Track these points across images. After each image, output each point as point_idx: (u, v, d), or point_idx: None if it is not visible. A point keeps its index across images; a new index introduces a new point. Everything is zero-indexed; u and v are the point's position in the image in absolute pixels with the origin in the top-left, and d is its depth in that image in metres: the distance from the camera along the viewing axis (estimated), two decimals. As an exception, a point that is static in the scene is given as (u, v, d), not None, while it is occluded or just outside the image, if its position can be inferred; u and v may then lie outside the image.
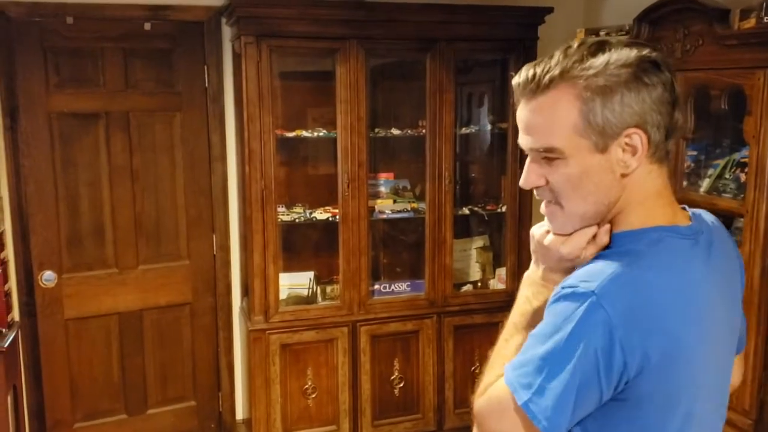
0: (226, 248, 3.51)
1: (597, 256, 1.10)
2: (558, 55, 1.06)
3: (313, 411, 3.29)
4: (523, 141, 1.11)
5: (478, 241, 3.74)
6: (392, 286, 3.44)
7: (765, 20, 2.00)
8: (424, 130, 3.33)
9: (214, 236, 3.49)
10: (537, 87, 1.05)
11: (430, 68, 3.25)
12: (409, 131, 3.41)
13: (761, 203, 2.15)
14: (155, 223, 3.39)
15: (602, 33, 2.88)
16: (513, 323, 1.18)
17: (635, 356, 1.00)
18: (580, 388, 1.01)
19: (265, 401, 3.19)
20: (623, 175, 1.06)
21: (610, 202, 1.08)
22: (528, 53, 3.31)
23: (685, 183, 2.56)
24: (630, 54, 1.03)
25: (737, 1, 2.45)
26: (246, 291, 3.41)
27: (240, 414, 3.64)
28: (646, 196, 1.09)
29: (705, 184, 2.56)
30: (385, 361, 3.39)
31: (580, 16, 3.50)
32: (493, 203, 3.57)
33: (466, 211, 3.55)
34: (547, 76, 1.04)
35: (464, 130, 3.57)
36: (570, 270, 1.12)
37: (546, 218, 1.15)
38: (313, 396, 3.27)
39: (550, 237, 1.15)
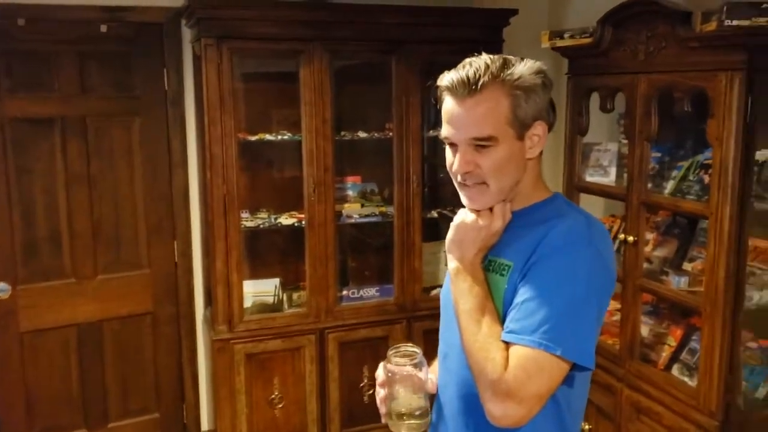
0: (188, 255, 3.43)
1: (553, 223, 1.29)
2: (480, 63, 1.28)
3: (281, 421, 3.22)
4: (455, 133, 1.30)
5: (447, 245, 3.70)
6: (361, 292, 3.39)
7: (725, 23, 1.99)
8: (391, 133, 3.29)
9: (175, 243, 3.41)
10: (474, 87, 1.26)
11: (395, 70, 3.21)
12: (376, 134, 3.37)
13: (725, 205, 2.15)
14: (114, 231, 3.30)
15: (566, 35, 2.87)
16: (467, 312, 1.29)
17: (613, 285, 1.33)
18: (598, 321, 1.27)
19: (230, 412, 3.11)
20: (529, 159, 1.34)
21: (518, 181, 1.34)
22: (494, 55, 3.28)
23: (649, 185, 2.55)
24: (535, 65, 1.30)
25: (699, 3, 2.46)
26: (209, 299, 3.34)
27: (205, 425, 3.56)
28: (537, 177, 1.38)
29: (669, 186, 2.55)
30: (353, 368, 3.34)
31: (545, 18, 3.49)
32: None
33: (434, 214, 3.52)
34: (482, 79, 1.26)
35: (432, 133, 3.53)
36: (490, 247, 1.34)
37: (468, 199, 1.35)
38: (280, 406, 3.21)
39: (483, 219, 1.34)
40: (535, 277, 1.25)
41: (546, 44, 2.84)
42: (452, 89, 1.29)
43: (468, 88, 1.26)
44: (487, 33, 3.32)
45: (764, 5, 1.92)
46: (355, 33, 3.11)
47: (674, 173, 2.58)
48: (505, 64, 1.28)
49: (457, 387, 1.39)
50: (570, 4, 3.43)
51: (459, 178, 1.34)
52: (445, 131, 1.33)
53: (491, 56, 1.30)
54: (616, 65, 2.59)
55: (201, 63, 2.96)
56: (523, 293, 1.25)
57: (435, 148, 3.68)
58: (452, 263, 1.36)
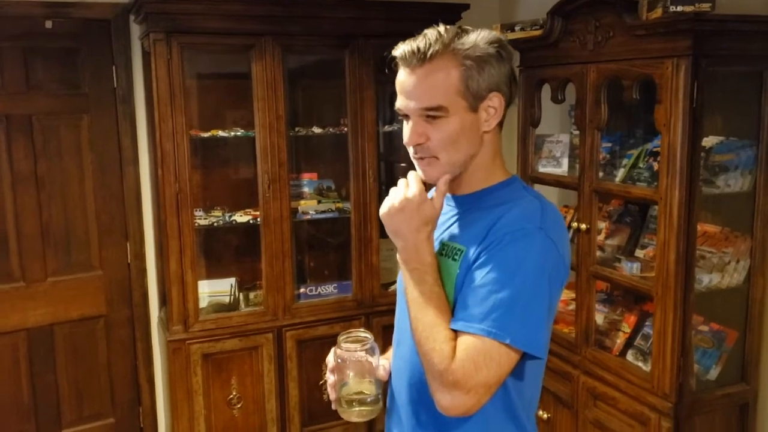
0: (141, 256, 3.36)
1: (507, 207, 1.27)
2: (433, 33, 1.25)
3: (240, 421, 3.17)
4: (407, 104, 1.27)
5: (405, 240, 3.70)
6: (319, 289, 3.36)
7: (670, 9, 2.03)
8: (346, 129, 3.27)
9: (128, 244, 3.33)
10: (424, 57, 1.23)
11: (349, 65, 3.19)
12: (331, 129, 3.35)
13: (674, 190, 2.19)
14: (64, 232, 3.21)
15: (517, 28, 2.90)
16: (416, 300, 1.25)
17: (567, 273, 1.30)
18: (549, 310, 1.23)
19: (187, 414, 3.05)
20: (485, 133, 1.30)
21: (473, 155, 1.30)
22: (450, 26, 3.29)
23: (601, 174, 2.59)
24: (490, 35, 1.27)
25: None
26: (164, 300, 3.27)
27: (162, 429, 3.49)
28: (495, 153, 1.34)
29: (620, 174, 2.59)
30: (313, 366, 3.31)
31: (496, 11, 3.52)
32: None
33: (390, 209, 3.50)
34: (432, 49, 1.23)
35: (387, 128, 3.53)
36: (431, 220, 1.27)
37: (422, 173, 1.31)
38: (239, 406, 3.16)
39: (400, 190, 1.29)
40: (485, 263, 1.22)
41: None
42: (404, 59, 1.26)
43: (418, 58, 1.23)
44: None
45: (706, -9, 1.96)
46: (307, 27, 3.09)
47: (625, 161, 2.62)
48: (458, 34, 1.25)
49: (408, 374, 1.37)
50: (521, -1, 3.47)
51: (412, 150, 1.31)
52: (398, 102, 1.30)
53: (447, 27, 1.27)
54: (566, 56, 2.63)
55: (151, 59, 2.91)
56: (474, 280, 1.22)
57: (391, 144, 3.68)
58: (398, 253, 1.31)
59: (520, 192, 1.33)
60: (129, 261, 3.35)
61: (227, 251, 3.45)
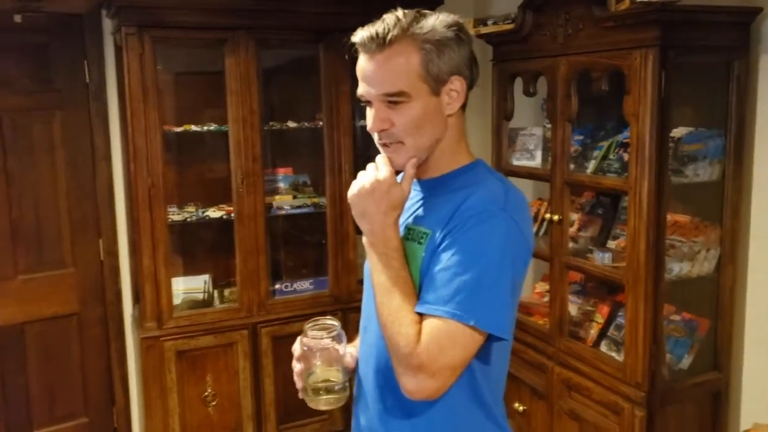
0: (114, 253, 3.32)
1: (471, 190, 1.27)
2: (391, 18, 1.25)
3: (215, 419, 3.14)
4: (368, 90, 1.27)
5: (381, 236, 3.69)
6: (294, 285, 3.34)
7: (638, 0, 2.05)
8: (321, 123, 3.26)
9: (100, 241, 3.30)
10: (383, 42, 1.23)
11: (324, 59, 3.19)
12: (306, 124, 3.34)
13: (643, 180, 2.20)
14: (35, 230, 3.16)
15: (490, 22, 2.91)
16: (381, 284, 1.25)
17: (530, 254, 1.31)
18: (513, 291, 1.23)
19: (161, 411, 3.02)
20: (449, 116, 1.30)
21: (438, 139, 1.30)
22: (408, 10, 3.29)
23: (572, 166, 2.60)
24: (448, 18, 1.27)
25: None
26: (138, 298, 3.24)
27: (137, 428, 3.45)
28: (460, 137, 1.34)
29: (591, 165, 2.61)
30: (288, 363, 3.21)
31: (471, 5, 3.53)
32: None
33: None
34: (390, 34, 1.22)
35: (361, 123, 3.52)
36: (397, 204, 1.28)
37: (388, 159, 1.30)
38: (214, 403, 3.13)
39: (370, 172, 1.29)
40: (450, 246, 1.22)
41: (471, 32, 2.87)
42: (363, 45, 1.26)
43: (377, 43, 1.23)
44: (414, 22, 3.32)
45: (673, -19, 1.98)
46: (282, 21, 3.07)
47: (596, 153, 2.64)
48: (416, 18, 1.25)
49: (374, 360, 1.36)
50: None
51: (376, 137, 1.31)
52: (359, 89, 1.29)
53: (405, 11, 1.27)
54: (537, 49, 2.64)
55: (123, 54, 2.88)
56: (438, 263, 1.22)
57: (364, 139, 3.67)
58: (364, 237, 1.31)
59: (485, 175, 1.33)
60: (102, 258, 3.31)
61: (201, 247, 3.42)
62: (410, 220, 1.35)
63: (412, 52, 1.23)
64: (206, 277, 3.29)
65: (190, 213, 3.16)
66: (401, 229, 1.32)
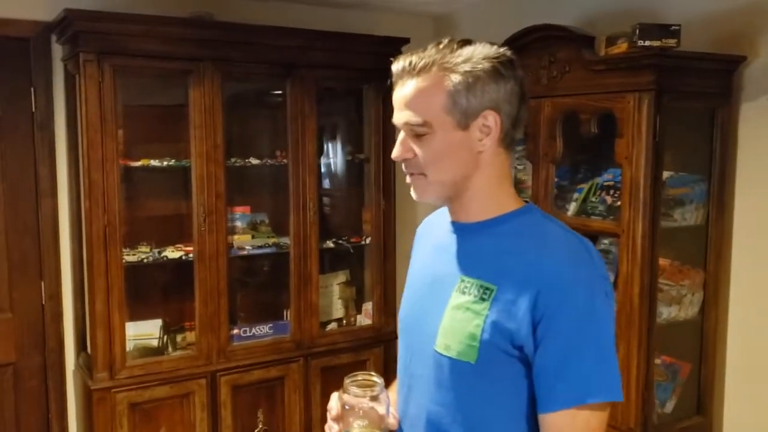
0: (57, 297, 3.04)
1: (539, 242, 1.18)
2: (432, 47, 1.20)
3: (169, 476, 2.90)
4: (398, 117, 1.23)
5: (341, 276, 3.57)
6: (253, 330, 3.16)
7: (638, 44, 2.06)
8: (285, 160, 3.14)
9: (42, 283, 3.02)
10: (413, 71, 1.19)
11: (290, 94, 3.08)
12: (268, 161, 3.20)
13: (637, 222, 2.20)
14: (-32, 271, 2.87)
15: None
16: None
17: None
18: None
19: (111, 471, 2.76)
20: (479, 152, 1.21)
21: (465, 176, 1.22)
22: (385, 83, 3.23)
23: (552, 207, 2.58)
24: (491, 50, 1.19)
25: (595, 28, 2.55)
26: (83, 345, 2.98)
27: (77, 489, 3.14)
28: (502, 178, 1.25)
29: (572, 207, 2.60)
30: (247, 413, 3.09)
31: (439, 46, 3.52)
32: (356, 236, 3.43)
33: (330, 244, 3.37)
34: (422, 62, 1.18)
35: (322, 161, 3.42)
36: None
37: (412, 189, 1.27)
38: (168, 459, 2.89)
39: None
40: (557, 331, 1.12)
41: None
42: (397, 72, 1.22)
43: (407, 72, 1.20)
44: (379, 61, 3.22)
45: (673, 27, 2.00)
46: (248, 54, 2.95)
47: (575, 195, 2.64)
48: (453, 48, 1.19)
49: (427, 423, 1.24)
50: (460, 33, 3.48)
51: (403, 166, 1.26)
52: (394, 116, 1.26)
53: (448, 39, 1.21)
54: (519, 90, 2.62)
55: (76, 81, 2.68)
56: (549, 354, 1.13)
57: (326, 177, 3.57)
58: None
59: (543, 221, 1.24)
60: (43, 302, 3.02)
61: (153, 291, 3.19)
62: (456, 269, 1.24)
63: (440, 82, 1.17)
64: (158, 322, 3.06)
65: (145, 253, 2.94)
66: (447, 278, 1.22)
